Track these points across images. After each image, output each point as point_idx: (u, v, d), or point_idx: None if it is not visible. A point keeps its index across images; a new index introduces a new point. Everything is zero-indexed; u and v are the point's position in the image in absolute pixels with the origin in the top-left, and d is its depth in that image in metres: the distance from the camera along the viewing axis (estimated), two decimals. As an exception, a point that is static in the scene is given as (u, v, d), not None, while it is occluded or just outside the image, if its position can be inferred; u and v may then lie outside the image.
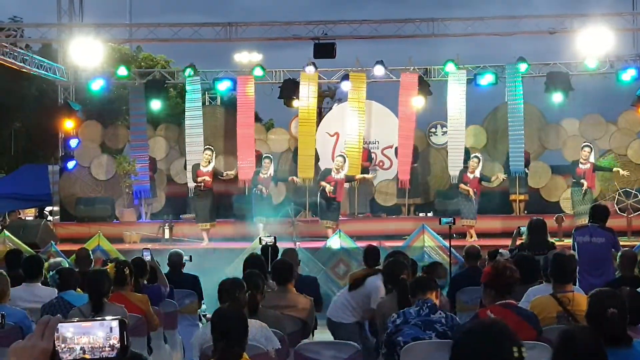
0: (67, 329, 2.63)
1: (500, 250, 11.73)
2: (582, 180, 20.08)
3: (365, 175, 21.70)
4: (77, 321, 2.66)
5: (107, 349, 2.65)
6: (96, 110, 28.90)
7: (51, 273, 9.78)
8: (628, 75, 22.74)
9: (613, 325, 5.47)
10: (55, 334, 2.63)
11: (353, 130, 22.59)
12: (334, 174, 20.28)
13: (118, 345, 2.64)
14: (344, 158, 20.68)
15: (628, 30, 23.06)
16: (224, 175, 21.14)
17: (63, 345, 2.63)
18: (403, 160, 22.50)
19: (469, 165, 20.67)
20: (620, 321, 5.53)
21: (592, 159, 20.29)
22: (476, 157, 20.83)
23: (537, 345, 6.71)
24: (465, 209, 20.36)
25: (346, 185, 21.20)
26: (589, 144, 20.68)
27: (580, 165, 20.13)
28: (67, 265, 11.79)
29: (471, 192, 20.21)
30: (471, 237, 20.02)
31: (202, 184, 20.45)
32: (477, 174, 20.48)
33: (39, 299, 9.33)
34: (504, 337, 3.50)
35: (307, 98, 22.87)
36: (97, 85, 23.83)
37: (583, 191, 20.11)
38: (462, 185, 20.53)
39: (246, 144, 22.77)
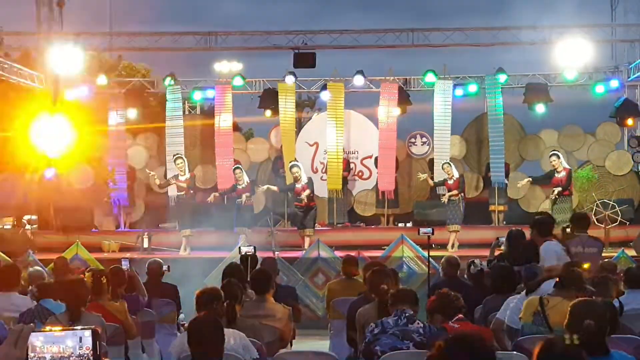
0: (37, 338, 2.63)
1: (474, 261, 11.72)
2: (560, 188, 20.05)
3: (271, 187, 21.62)
4: (49, 330, 2.66)
5: (76, 358, 2.64)
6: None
7: (30, 288, 9.77)
8: (606, 86, 22.89)
9: (590, 336, 5.49)
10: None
11: (332, 140, 22.60)
12: (298, 184, 20.29)
13: (90, 355, 2.64)
14: (299, 167, 20.60)
15: (607, 42, 23.24)
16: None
17: (32, 354, 2.63)
18: (385, 171, 22.49)
19: (446, 172, 20.73)
20: (597, 332, 5.56)
21: (565, 165, 20.25)
22: (447, 163, 20.89)
23: (514, 356, 6.74)
24: (451, 215, 20.40)
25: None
26: (556, 152, 20.59)
27: (557, 175, 20.11)
28: (46, 274, 11.74)
29: (453, 197, 20.31)
30: (452, 246, 20.01)
31: (183, 193, 20.41)
32: (456, 174, 20.58)
33: (15, 307, 9.28)
34: (484, 347, 3.54)
35: (285, 109, 22.86)
36: (76, 94, 23.79)
37: (562, 199, 20.10)
38: (447, 194, 20.56)
39: (224, 153, 22.73)
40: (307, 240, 20.00)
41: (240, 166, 21.29)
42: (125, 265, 11.10)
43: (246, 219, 20.27)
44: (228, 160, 22.65)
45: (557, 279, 8.25)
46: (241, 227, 19.95)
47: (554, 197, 20.18)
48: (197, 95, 24.01)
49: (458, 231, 20.33)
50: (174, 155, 21.42)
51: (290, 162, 21.20)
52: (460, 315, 7.48)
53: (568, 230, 18.03)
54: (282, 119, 22.85)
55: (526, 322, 7.85)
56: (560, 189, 19.96)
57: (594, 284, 8.73)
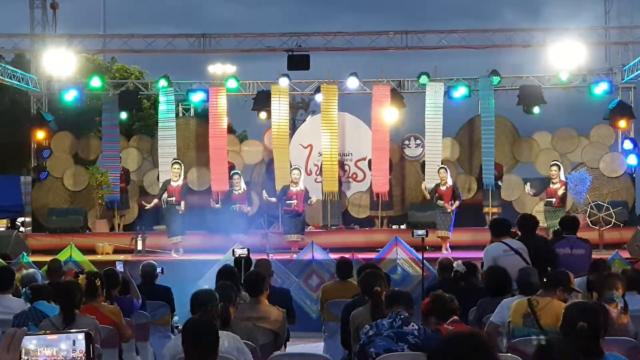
0: (30, 342, 2.62)
1: (455, 264, 11.71)
2: (552, 199, 20.07)
3: (270, 199, 21.30)
4: (42, 334, 2.65)
5: None
6: (69, 121, 28.78)
7: (24, 289, 9.75)
8: (600, 88, 22.97)
9: (583, 339, 5.50)
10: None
11: (326, 143, 22.59)
12: (293, 187, 20.30)
13: (83, 358, 2.63)
14: (300, 170, 20.71)
15: (600, 44, 23.26)
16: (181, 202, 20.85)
17: (26, 358, 2.62)
18: (378, 173, 22.48)
19: (439, 177, 20.68)
20: (591, 335, 5.56)
21: (562, 177, 20.26)
22: (442, 168, 20.84)
23: (508, 357, 6.75)
24: (440, 221, 20.38)
25: (313, 198, 21.16)
26: (557, 162, 20.62)
27: (551, 185, 20.13)
28: (40, 277, 11.73)
29: (447, 206, 20.25)
30: (445, 250, 20.02)
31: (174, 198, 20.37)
32: (450, 182, 20.50)
33: (9, 310, 9.26)
34: (483, 346, 3.55)
35: (278, 111, 22.85)
36: (70, 96, 23.77)
37: (554, 210, 20.13)
38: (439, 202, 20.53)
39: (218, 156, 22.72)
40: (295, 245, 20.01)
41: (239, 172, 21.29)
42: (119, 268, 11.07)
43: (240, 224, 20.23)
44: (222, 162, 22.65)
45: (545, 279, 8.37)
46: (236, 234, 19.85)
47: (545, 205, 20.24)
48: (196, 98, 23.95)
49: (448, 237, 20.32)
50: (172, 160, 21.40)
51: (293, 166, 21.37)
52: (455, 317, 7.49)
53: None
54: (275, 121, 22.83)
55: (516, 324, 7.90)
56: (553, 199, 19.95)
57: (599, 282, 8.75)
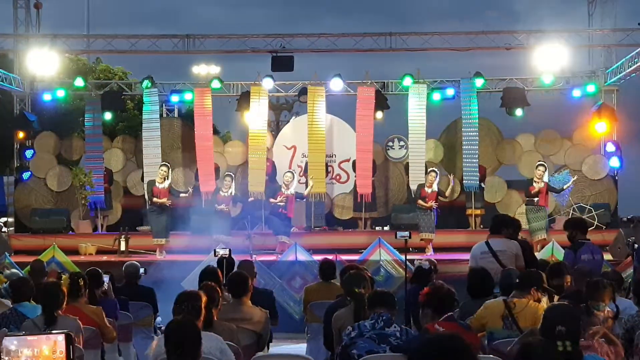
0: (11, 342, 2.63)
1: (421, 263, 11.75)
2: (535, 199, 20.14)
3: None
4: (23, 335, 2.66)
5: None
6: (52, 121, 28.70)
7: (4, 285, 9.69)
8: (583, 91, 23.02)
9: (562, 342, 5.54)
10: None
11: (313, 145, 22.53)
12: (284, 190, 20.36)
13: (63, 359, 2.64)
14: (293, 174, 20.80)
15: (583, 47, 23.35)
16: (180, 196, 20.95)
17: (7, 358, 2.62)
18: (362, 174, 22.48)
19: (426, 179, 20.75)
20: (569, 338, 5.60)
21: (545, 178, 20.35)
22: (433, 171, 20.90)
23: (490, 359, 6.77)
24: (423, 223, 20.43)
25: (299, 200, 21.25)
26: (543, 162, 20.75)
27: (534, 184, 20.21)
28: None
29: (429, 206, 20.32)
30: (429, 251, 20.07)
31: (158, 200, 20.34)
32: (435, 187, 20.57)
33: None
34: (463, 348, 3.57)
35: (257, 112, 22.80)
36: (53, 96, 23.73)
37: (537, 209, 20.19)
38: (419, 202, 20.60)
39: (205, 157, 22.67)
40: (284, 246, 20.00)
41: (232, 175, 21.16)
42: (105, 281, 10.79)
43: (223, 224, 20.20)
44: (209, 163, 22.61)
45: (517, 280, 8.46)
46: (219, 235, 19.84)
47: (526, 205, 20.35)
48: (179, 98, 23.97)
49: (431, 240, 20.39)
50: (160, 163, 21.37)
51: (286, 169, 21.51)
52: (450, 314, 7.43)
53: (540, 237, 18.44)
54: (253, 122, 22.74)
55: (495, 327, 7.92)
56: (536, 199, 20.04)
57: (587, 289, 8.78)
